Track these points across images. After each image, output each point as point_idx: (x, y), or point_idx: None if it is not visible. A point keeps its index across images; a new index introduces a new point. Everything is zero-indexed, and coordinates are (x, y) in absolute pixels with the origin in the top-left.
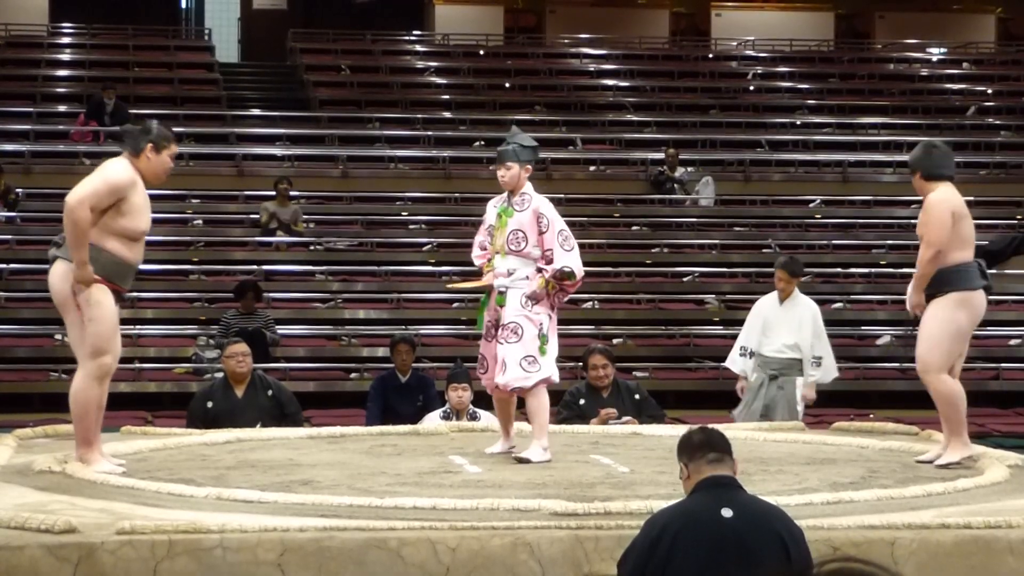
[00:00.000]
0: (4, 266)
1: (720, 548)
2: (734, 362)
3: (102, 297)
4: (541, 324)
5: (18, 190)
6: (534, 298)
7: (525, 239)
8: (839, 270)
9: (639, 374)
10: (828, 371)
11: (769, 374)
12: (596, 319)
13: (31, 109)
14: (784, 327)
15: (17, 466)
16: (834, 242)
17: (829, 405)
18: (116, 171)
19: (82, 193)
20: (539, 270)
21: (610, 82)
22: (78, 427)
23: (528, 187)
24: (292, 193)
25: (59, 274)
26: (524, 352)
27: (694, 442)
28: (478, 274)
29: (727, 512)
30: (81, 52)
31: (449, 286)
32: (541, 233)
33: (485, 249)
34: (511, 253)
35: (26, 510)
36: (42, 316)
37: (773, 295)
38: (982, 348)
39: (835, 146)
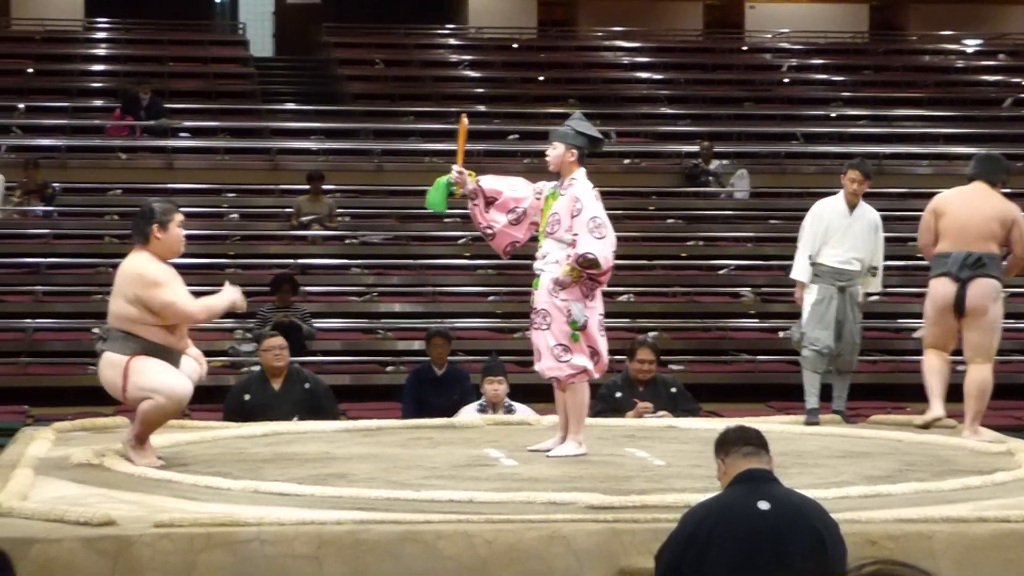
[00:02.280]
0: (41, 260)
1: (756, 541)
2: (803, 271)
3: (142, 365)
4: (570, 311)
5: (55, 185)
6: (560, 284)
7: (559, 223)
8: None
9: (674, 367)
10: (879, 282)
11: (838, 285)
12: (631, 312)
13: (67, 104)
14: (854, 236)
15: (55, 459)
16: None
17: (864, 398)
18: (151, 267)
19: (168, 292)
20: (569, 256)
21: (644, 75)
22: (140, 428)
23: (579, 173)
24: (326, 187)
25: (107, 364)
26: (555, 340)
27: (730, 437)
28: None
29: (764, 505)
30: (116, 47)
31: (463, 119)
32: (573, 217)
33: (509, 187)
34: (547, 236)
35: (64, 503)
36: (79, 310)
37: (835, 201)
38: (1016, 340)
39: (869, 138)
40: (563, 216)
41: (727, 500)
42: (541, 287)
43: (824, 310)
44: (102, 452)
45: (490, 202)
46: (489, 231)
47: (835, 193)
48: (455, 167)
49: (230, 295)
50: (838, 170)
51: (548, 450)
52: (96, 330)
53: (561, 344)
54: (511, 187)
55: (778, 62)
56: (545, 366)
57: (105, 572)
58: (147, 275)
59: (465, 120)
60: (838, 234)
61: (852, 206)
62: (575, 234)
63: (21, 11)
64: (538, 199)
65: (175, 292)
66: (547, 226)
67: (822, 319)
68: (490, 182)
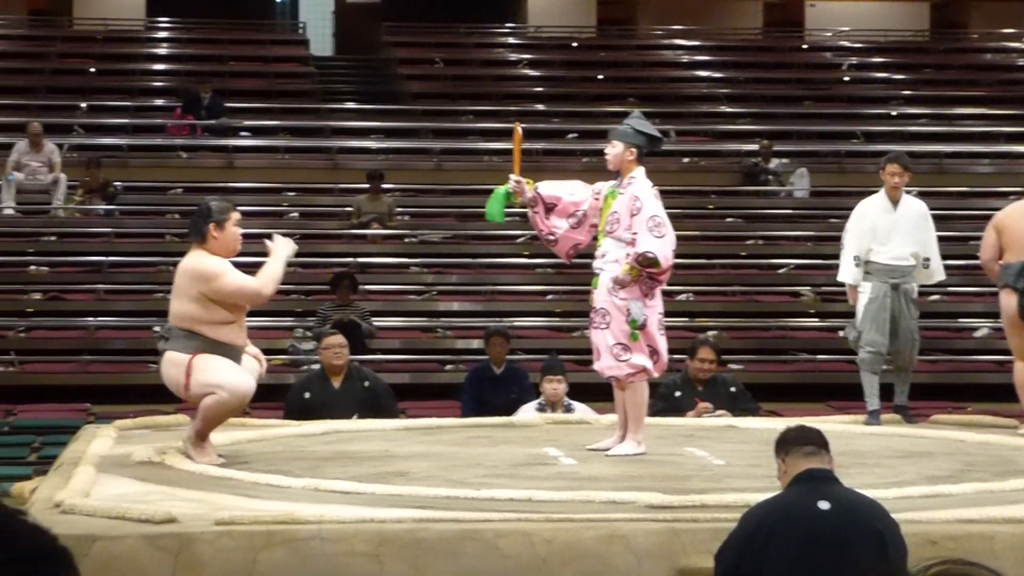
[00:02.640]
0: (103, 259)
1: (817, 541)
2: (850, 273)
3: (205, 363)
4: (629, 310)
5: (116, 184)
6: (619, 283)
7: (618, 222)
8: None
9: (734, 366)
10: (938, 272)
11: (891, 283)
12: (690, 311)
13: (129, 103)
14: (902, 231)
15: (117, 457)
16: None
17: (926, 398)
18: (207, 260)
19: (233, 279)
20: (628, 255)
21: (703, 73)
22: (202, 425)
23: (638, 172)
24: (386, 186)
25: (169, 362)
26: (614, 339)
27: (790, 437)
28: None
29: (824, 505)
30: (177, 47)
31: (516, 128)
32: (633, 216)
33: (567, 192)
34: (607, 235)
35: (126, 501)
36: (140, 308)
37: (878, 198)
38: None
39: (930, 137)
40: (622, 215)
41: (787, 500)
42: (600, 286)
43: (878, 309)
44: (163, 450)
45: (550, 208)
46: (551, 237)
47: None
48: (512, 176)
49: (282, 250)
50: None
51: (607, 449)
52: (157, 329)
53: (620, 343)
54: (569, 191)
55: (838, 60)
56: (604, 365)
57: (166, 569)
58: (206, 270)
59: (519, 129)
60: (885, 230)
61: (895, 200)
62: (635, 233)
63: (83, 11)
64: (596, 200)
65: (237, 276)
66: (606, 225)
67: (875, 318)
68: (548, 188)
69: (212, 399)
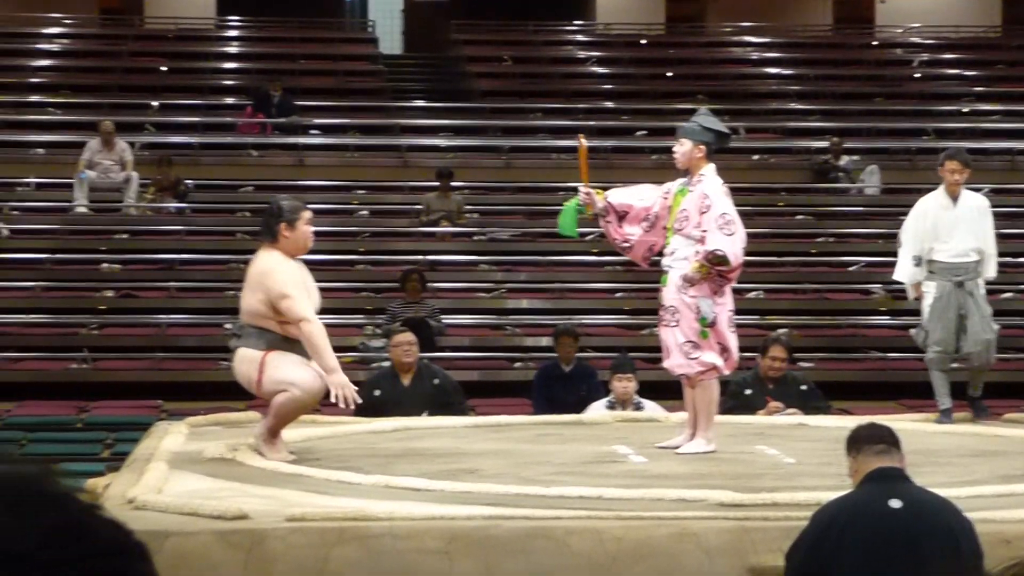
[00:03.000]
0: (174, 257)
1: (889, 539)
2: (906, 272)
3: (278, 360)
4: (699, 308)
5: (188, 182)
6: (688, 281)
7: (687, 219)
8: (1008, 259)
9: (804, 365)
10: (989, 269)
11: (955, 281)
12: (760, 309)
13: (199, 102)
14: (963, 227)
15: (189, 453)
16: (1002, 231)
17: (999, 396)
18: (287, 272)
19: (296, 305)
20: (697, 252)
21: (773, 70)
22: (274, 422)
23: (708, 169)
24: (455, 183)
25: (242, 359)
26: (684, 337)
27: (862, 435)
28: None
29: (895, 503)
30: (248, 45)
31: (580, 139)
32: (702, 214)
33: (637, 198)
34: (676, 232)
35: (198, 497)
36: (211, 306)
37: (936, 195)
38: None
39: (1003, 134)
40: (692, 212)
41: (858, 498)
42: (670, 283)
43: (943, 308)
44: (235, 446)
45: (622, 216)
46: (626, 244)
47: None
48: (582, 188)
49: (339, 379)
50: (971, 166)
51: (677, 447)
52: (229, 326)
53: (690, 341)
54: (639, 197)
55: (909, 57)
56: (674, 363)
57: (238, 565)
58: (274, 268)
59: (583, 142)
60: (946, 228)
61: (954, 197)
62: (704, 230)
63: (155, 10)
64: (666, 199)
65: (298, 292)
66: (675, 222)
67: (941, 317)
68: (618, 196)
69: (285, 396)
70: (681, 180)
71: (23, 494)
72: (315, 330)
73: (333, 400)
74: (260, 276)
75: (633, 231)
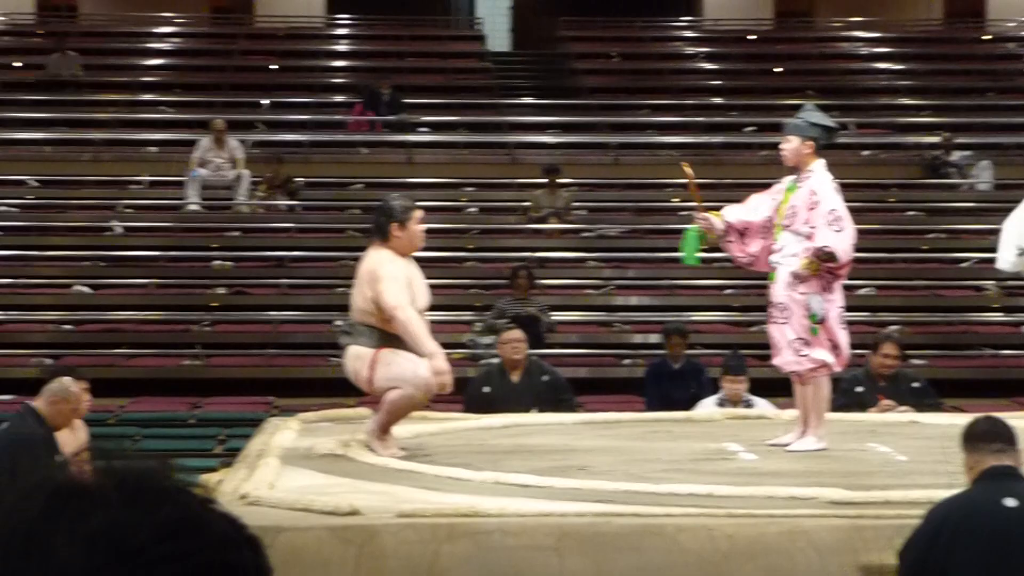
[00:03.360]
0: (285, 254)
1: (1003, 538)
2: (1006, 261)
3: (390, 357)
4: (808, 305)
5: (298, 179)
6: (797, 277)
7: (795, 215)
8: None
9: (916, 362)
10: None
11: None
12: (872, 306)
13: (310, 100)
14: None
15: (301, 449)
16: None
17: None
18: (394, 267)
19: (392, 295)
20: (806, 249)
21: (883, 65)
22: (385, 419)
23: (816, 165)
24: (563, 180)
25: (353, 356)
26: (794, 334)
27: (978, 431)
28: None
29: (1011, 502)
30: (357, 43)
31: (685, 167)
32: (811, 210)
33: (753, 211)
34: (784, 229)
35: (310, 493)
36: (322, 303)
37: None
38: None
39: None
40: (800, 208)
41: (972, 496)
42: (779, 280)
43: None
44: (347, 442)
45: (743, 233)
46: (750, 260)
47: None
48: (698, 215)
49: (439, 365)
50: None
51: (788, 444)
52: (339, 323)
53: (800, 338)
54: (754, 210)
55: (1021, 51)
56: (784, 360)
57: (350, 561)
58: (384, 263)
59: (688, 169)
60: None
61: None
62: (813, 227)
63: (265, 9)
64: (775, 199)
65: (399, 286)
66: (784, 218)
67: None
68: (735, 214)
69: (397, 393)
70: (791, 177)
71: (139, 489)
72: (407, 317)
73: (428, 384)
74: (368, 274)
75: (755, 246)
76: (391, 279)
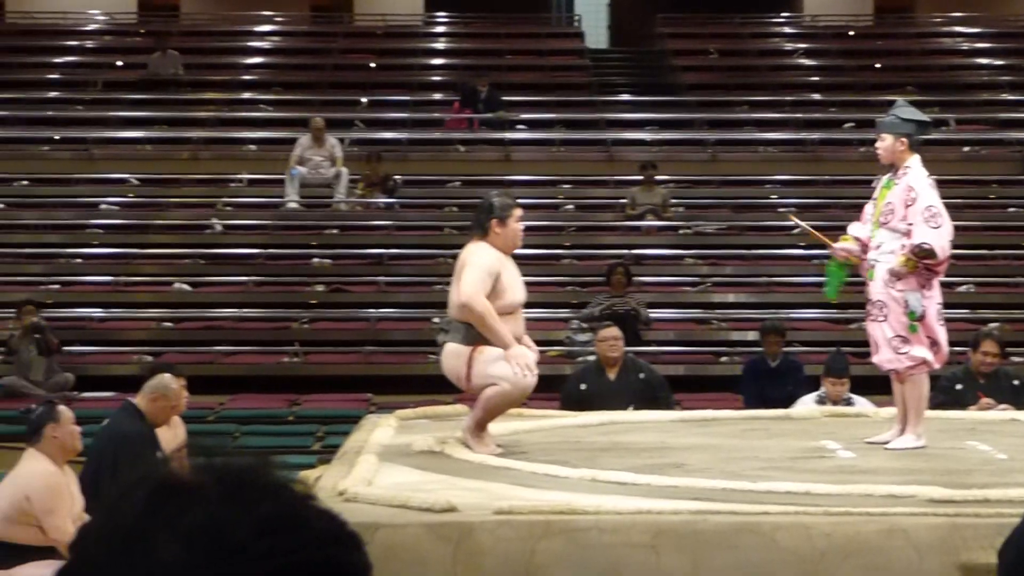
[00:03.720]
0: (383, 251)
1: None
2: None
3: (487, 354)
4: (907, 302)
5: (396, 177)
6: (895, 275)
7: (893, 212)
8: None
9: (1017, 359)
10: None
11: None
12: (972, 303)
13: (407, 98)
14: None
15: (398, 446)
16: None
17: None
18: (485, 257)
19: (471, 286)
20: (904, 246)
21: (984, 61)
22: (482, 415)
23: (912, 161)
24: (660, 177)
25: (450, 353)
26: (892, 332)
27: None
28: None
29: None
30: (455, 41)
31: (793, 219)
32: (908, 207)
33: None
34: (882, 226)
35: (407, 489)
36: (420, 300)
37: None
38: None
39: None
40: (897, 205)
41: None
42: (876, 278)
43: None
44: (443, 439)
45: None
46: None
47: None
48: (836, 248)
49: (516, 352)
50: None
51: (886, 442)
52: (436, 320)
53: (899, 335)
54: (865, 215)
55: None
56: (883, 358)
57: (447, 558)
58: (476, 257)
59: (795, 218)
60: None
61: None
62: (910, 224)
63: (364, 7)
64: (874, 201)
65: (482, 279)
66: (881, 216)
67: None
68: (860, 231)
69: (494, 390)
70: (887, 174)
71: (238, 485)
72: (482, 307)
73: (515, 372)
74: (461, 267)
75: None
76: (475, 267)
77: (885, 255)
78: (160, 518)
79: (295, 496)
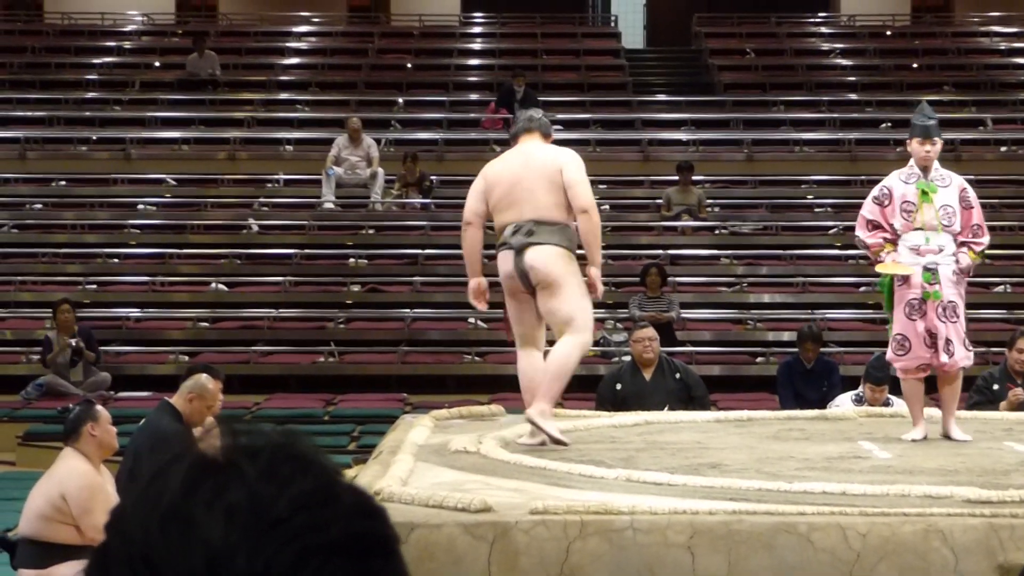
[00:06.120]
0: (419, 251)
1: None
2: None
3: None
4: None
5: (432, 177)
6: (965, 272)
7: (954, 215)
8: None
9: None
10: None
11: None
12: (1008, 303)
13: (444, 98)
14: None
15: (434, 446)
16: None
17: None
18: (576, 157)
19: (589, 197)
20: (962, 244)
21: (1022, 60)
22: (553, 384)
23: (936, 163)
24: (696, 177)
25: (553, 254)
26: (964, 330)
27: None
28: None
29: None
30: (491, 41)
31: (879, 268)
32: (965, 209)
33: (880, 228)
34: (944, 229)
35: (443, 489)
36: (456, 300)
37: None
38: None
39: None
40: (956, 208)
41: None
42: (944, 280)
43: None
44: (479, 439)
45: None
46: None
47: None
48: (885, 264)
49: (597, 273)
50: None
51: (923, 438)
52: (472, 320)
53: (966, 333)
54: (878, 219)
55: None
56: (960, 356)
57: (482, 557)
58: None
59: (888, 268)
60: None
61: None
62: (975, 225)
63: (400, 7)
64: (910, 204)
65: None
66: (941, 219)
67: None
68: (877, 235)
69: (572, 345)
70: (909, 175)
71: (272, 461)
72: (598, 220)
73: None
74: (555, 168)
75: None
76: (584, 181)
77: (948, 258)
78: (199, 496)
79: (326, 470)
